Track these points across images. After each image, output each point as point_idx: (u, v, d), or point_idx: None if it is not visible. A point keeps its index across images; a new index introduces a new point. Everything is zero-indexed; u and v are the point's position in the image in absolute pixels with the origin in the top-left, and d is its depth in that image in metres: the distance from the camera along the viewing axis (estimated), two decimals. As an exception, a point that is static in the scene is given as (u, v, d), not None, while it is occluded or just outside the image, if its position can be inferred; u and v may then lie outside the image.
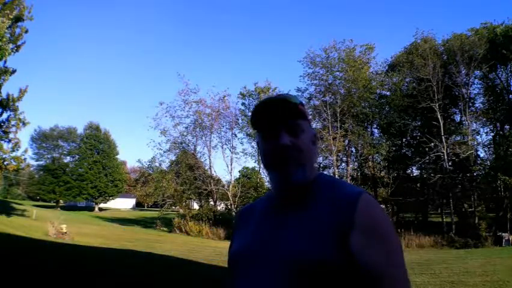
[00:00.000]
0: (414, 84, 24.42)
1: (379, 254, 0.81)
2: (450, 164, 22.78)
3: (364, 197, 0.86)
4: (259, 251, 0.90)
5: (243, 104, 28.67)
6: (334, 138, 23.06)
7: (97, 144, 49.12)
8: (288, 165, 0.91)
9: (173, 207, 28.84)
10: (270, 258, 0.87)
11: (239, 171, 38.91)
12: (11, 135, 13.15)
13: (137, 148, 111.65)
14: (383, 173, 26.80)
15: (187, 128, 26.83)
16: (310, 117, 1.02)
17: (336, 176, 23.33)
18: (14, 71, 12.70)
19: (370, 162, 26.56)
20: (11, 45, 12.29)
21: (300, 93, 27.35)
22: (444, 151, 22.09)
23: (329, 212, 0.86)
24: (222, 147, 28.21)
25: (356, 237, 0.81)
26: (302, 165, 0.93)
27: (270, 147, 0.94)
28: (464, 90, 23.02)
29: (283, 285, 0.82)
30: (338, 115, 24.22)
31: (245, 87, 28.61)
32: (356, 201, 0.85)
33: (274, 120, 0.94)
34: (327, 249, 0.81)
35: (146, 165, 28.05)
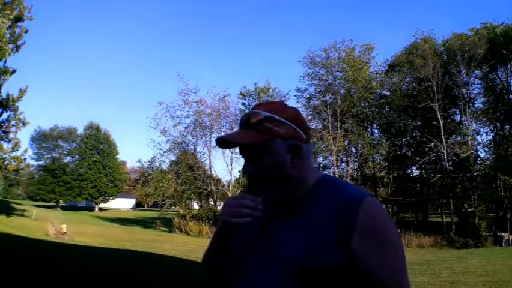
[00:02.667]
0: (414, 84, 24.43)
1: (380, 258, 0.81)
2: (450, 164, 22.78)
3: (368, 200, 0.85)
4: (259, 251, 0.90)
5: (243, 104, 28.70)
6: (334, 138, 23.06)
7: (97, 144, 49.12)
8: (256, 189, 0.93)
9: (173, 207, 28.84)
10: (270, 258, 0.87)
11: (239, 171, 38.83)
12: (11, 135, 13.13)
13: (137, 148, 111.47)
14: (383, 173, 26.80)
15: (187, 128, 26.84)
16: (308, 116, 0.99)
17: (336, 176, 23.34)
18: (14, 71, 12.69)
19: (370, 162, 26.56)
20: (11, 45, 12.28)
21: (300, 93, 27.41)
22: (445, 151, 22.08)
23: (330, 213, 0.86)
24: (222, 147, 28.20)
25: (357, 240, 0.81)
26: (273, 187, 0.92)
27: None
28: (464, 90, 23.02)
29: (282, 285, 0.82)
30: (338, 115, 24.23)
31: (245, 87, 28.66)
32: (360, 204, 0.84)
33: (240, 147, 0.95)
34: (327, 250, 0.81)
35: (146, 165, 28.08)
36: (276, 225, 0.93)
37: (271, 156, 0.92)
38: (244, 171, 0.96)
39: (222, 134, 25.37)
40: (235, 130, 1.00)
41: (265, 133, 0.91)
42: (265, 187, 0.93)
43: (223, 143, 0.95)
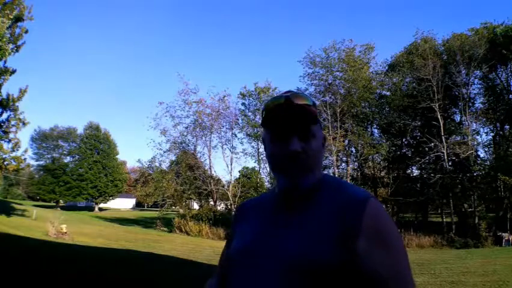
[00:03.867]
0: (414, 84, 24.42)
1: (384, 259, 0.81)
2: (450, 164, 22.78)
3: (371, 202, 0.85)
4: (259, 249, 0.89)
5: (243, 104, 28.74)
6: (334, 138, 23.06)
7: (97, 144, 49.12)
8: (296, 172, 0.90)
9: (173, 207, 28.84)
10: (270, 257, 0.86)
11: (239, 171, 38.86)
12: (11, 135, 13.16)
13: (137, 148, 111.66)
14: (383, 173, 26.79)
15: (187, 128, 26.88)
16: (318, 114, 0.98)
17: (336, 176, 23.33)
18: (14, 71, 12.70)
19: (370, 162, 26.56)
20: (11, 45, 12.29)
21: (300, 94, 27.35)
22: (444, 151, 22.08)
23: (333, 214, 0.86)
24: (222, 147, 28.28)
25: (361, 243, 0.80)
26: (311, 171, 0.91)
27: (279, 150, 0.91)
28: (464, 90, 23.02)
29: (282, 284, 0.82)
30: (338, 115, 24.22)
31: (245, 87, 28.68)
32: (364, 206, 0.84)
33: (286, 124, 0.91)
34: (328, 251, 0.81)
35: (146, 165, 28.09)
36: (276, 224, 0.92)
37: (316, 141, 0.93)
38: (291, 148, 0.88)
39: (222, 133, 24.83)
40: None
41: (314, 116, 0.93)
42: (303, 172, 0.90)
43: (287, 102, 0.90)
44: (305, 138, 0.90)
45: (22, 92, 13.18)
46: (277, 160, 0.92)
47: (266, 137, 0.96)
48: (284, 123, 0.91)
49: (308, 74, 26.23)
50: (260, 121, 0.98)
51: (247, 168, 37.97)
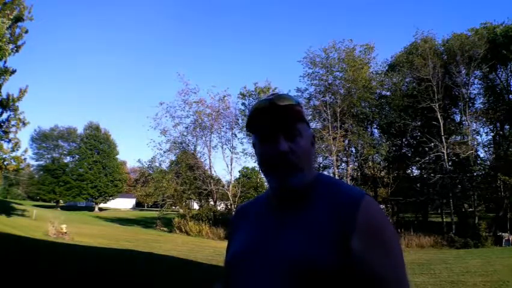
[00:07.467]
0: (414, 84, 24.43)
1: (380, 257, 0.80)
2: (450, 164, 22.77)
3: (366, 200, 0.85)
4: (258, 251, 0.89)
5: (243, 104, 28.72)
6: (334, 138, 23.05)
7: (97, 144, 49.14)
8: (286, 171, 0.90)
9: (173, 207, 28.85)
10: (269, 258, 0.86)
11: (239, 171, 38.93)
12: (11, 135, 13.14)
13: (137, 148, 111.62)
14: (383, 173, 26.79)
15: (187, 128, 26.90)
16: (308, 116, 0.99)
17: (336, 176, 23.33)
18: (14, 71, 12.70)
19: (370, 162, 26.56)
20: (11, 45, 12.29)
21: (300, 93, 27.36)
22: (444, 151, 22.08)
23: (328, 214, 0.85)
24: (222, 147, 28.28)
25: (356, 241, 0.80)
26: (300, 170, 0.91)
27: (267, 151, 0.92)
28: (464, 90, 23.02)
29: (282, 286, 0.81)
30: (338, 115, 24.21)
31: (245, 87, 28.65)
32: (358, 204, 0.84)
33: (272, 125, 0.91)
34: (326, 251, 0.80)
35: (146, 165, 28.09)
36: (273, 225, 0.92)
37: (304, 140, 0.93)
38: (279, 148, 0.89)
39: (222, 133, 24.79)
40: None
41: (300, 115, 0.94)
42: (292, 171, 0.89)
43: (270, 105, 0.90)
44: (292, 137, 0.91)
45: (22, 92, 13.17)
46: (266, 161, 0.93)
47: (255, 141, 0.97)
48: (270, 125, 0.92)
49: (308, 74, 26.23)
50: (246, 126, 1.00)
51: (247, 168, 38.01)
